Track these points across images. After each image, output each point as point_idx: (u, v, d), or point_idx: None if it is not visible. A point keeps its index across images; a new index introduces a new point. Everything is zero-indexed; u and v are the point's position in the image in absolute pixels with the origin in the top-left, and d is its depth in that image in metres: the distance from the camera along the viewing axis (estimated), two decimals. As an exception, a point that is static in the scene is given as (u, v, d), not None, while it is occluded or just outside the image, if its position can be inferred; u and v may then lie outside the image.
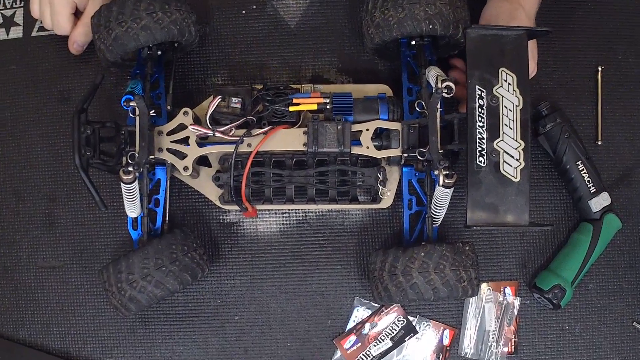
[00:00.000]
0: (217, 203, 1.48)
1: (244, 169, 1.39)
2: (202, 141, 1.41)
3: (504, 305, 1.52)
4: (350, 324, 1.53)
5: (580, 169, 1.48)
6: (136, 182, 1.34)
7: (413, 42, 1.43)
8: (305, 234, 1.54)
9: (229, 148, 1.39)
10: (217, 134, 1.38)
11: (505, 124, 1.26)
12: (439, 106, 1.32)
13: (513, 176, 1.25)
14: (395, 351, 1.52)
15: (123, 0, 1.34)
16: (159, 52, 1.45)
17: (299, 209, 1.54)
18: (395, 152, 1.40)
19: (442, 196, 1.35)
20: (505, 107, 1.26)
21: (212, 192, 1.49)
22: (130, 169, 1.31)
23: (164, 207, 1.48)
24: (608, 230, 1.48)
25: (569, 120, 1.49)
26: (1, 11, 1.60)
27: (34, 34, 1.59)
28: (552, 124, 1.48)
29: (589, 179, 1.48)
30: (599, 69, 1.56)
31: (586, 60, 1.58)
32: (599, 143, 1.55)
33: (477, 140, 1.25)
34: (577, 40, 1.58)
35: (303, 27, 1.58)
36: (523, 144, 1.26)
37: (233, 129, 1.39)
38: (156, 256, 1.35)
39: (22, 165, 1.56)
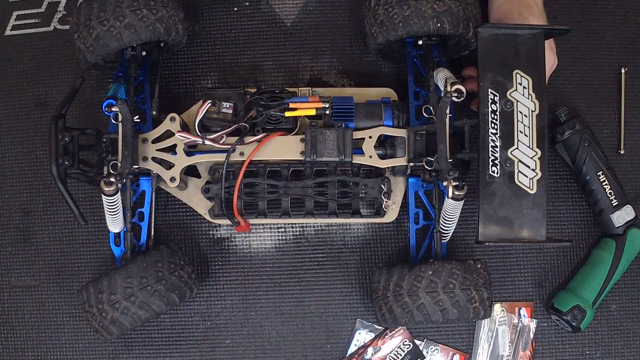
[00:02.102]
0: (207, 217, 1.47)
1: (235, 179, 1.38)
2: (191, 150, 1.40)
3: (519, 328, 1.52)
4: (352, 348, 1.52)
5: (601, 180, 1.48)
6: (119, 194, 1.34)
7: (420, 42, 1.43)
8: (302, 251, 1.54)
9: (220, 157, 1.38)
10: (207, 142, 1.37)
11: (520, 131, 1.25)
12: (448, 111, 1.32)
13: (529, 187, 1.25)
14: (400, 378, 1.52)
15: (104, -4, 1.35)
16: (144, 53, 1.45)
17: (295, 223, 1.54)
18: (400, 161, 1.39)
19: (452, 209, 1.34)
20: (520, 112, 1.25)
21: (201, 205, 1.48)
22: (112, 179, 1.31)
23: (149, 221, 1.47)
24: (632, 247, 1.48)
25: (589, 127, 1.49)
26: (-29, 8, 1.61)
27: (7, 32, 1.58)
28: (571, 131, 1.48)
29: (610, 190, 1.48)
30: (622, 70, 1.56)
31: (609, 61, 1.57)
32: (622, 152, 1.55)
33: (490, 148, 1.25)
34: (599, 40, 1.57)
35: (300, 26, 1.58)
36: (539, 152, 1.25)
37: (224, 136, 1.38)
38: (140, 275, 1.35)
39: (-5, 175, 1.56)
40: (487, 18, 1.42)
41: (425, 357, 1.51)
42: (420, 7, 1.33)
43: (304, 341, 1.52)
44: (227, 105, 1.39)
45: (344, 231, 1.53)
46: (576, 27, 1.54)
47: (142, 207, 1.47)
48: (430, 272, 1.33)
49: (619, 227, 1.48)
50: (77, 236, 1.53)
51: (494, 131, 1.24)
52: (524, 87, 1.26)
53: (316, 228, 1.53)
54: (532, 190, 1.25)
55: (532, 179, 1.25)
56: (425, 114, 1.38)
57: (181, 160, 1.39)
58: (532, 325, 1.51)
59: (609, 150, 1.53)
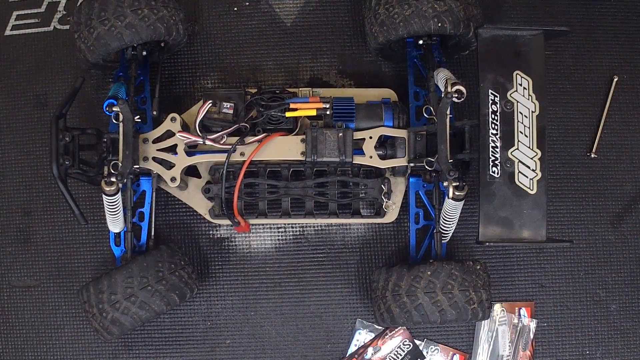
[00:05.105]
0: (207, 217, 1.48)
1: (236, 180, 1.39)
2: (191, 150, 1.41)
3: (519, 328, 1.52)
4: (352, 348, 1.53)
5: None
6: (119, 194, 1.34)
7: (420, 42, 1.44)
8: (302, 251, 1.54)
9: (220, 157, 1.39)
10: (208, 142, 1.38)
11: (521, 132, 1.26)
12: (448, 112, 1.33)
13: (529, 188, 1.25)
14: (400, 378, 1.53)
15: (105, -5, 1.36)
16: (145, 53, 1.46)
17: (296, 224, 1.55)
18: (400, 161, 1.40)
19: (452, 210, 1.35)
20: (521, 113, 1.26)
21: (201, 205, 1.48)
22: (113, 179, 1.31)
23: (150, 221, 1.48)
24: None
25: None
26: (-30, 8, 1.61)
27: (7, 32, 1.59)
28: None
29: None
30: (615, 78, 1.56)
31: (606, 65, 1.58)
32: (593, 156, 1.56)
33: (490, 149, 1.25)
34: (599, 41, 1.59)
35: (300, 26, 1.58)
36: (540, 153, 1.26)
37: (225, 136, 1.39)
38: (141, 275, 1.35)
39: (-6, 175, 1.57)
40: (489, 20, 1.43)
41: (425, 357, 1.51)
42: (421, 7, 1.34)
43: (304, 341, 1.53)
44: (228, 106, 1.39)
45: (344, 231, 1.54)
46: (577, 28, 1.55)
47: (143, 207, 1.47)
48: (429, 273, 1.34)
49: None
50: (77, 236, 1.54)
51: (494, 132, 1.25)
52: (524, 88, 1.26)
53: (316, 228, 1.54)
54: (532, 190, 1.25)
55: (532, 179, 1.25)
56: (425, 115, 1.39)
57: (182, 160, 1.40)
58: (532, 325, 1.52)
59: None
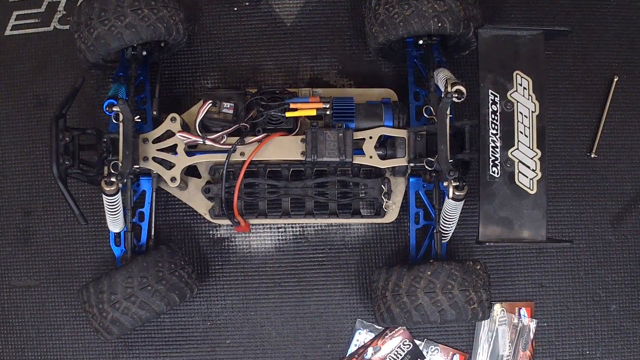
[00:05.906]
0: (207, 217, 1.48)
1: (236, 180, 1.39)
2: (191, 150, 1.41)
3: (519, 328, 1.52)
4: (352, 348, 1.53)
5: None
6: (119, 194, 1.34)
7: (420, 42, 1.44)
8: (302, 251, 1.54)
9: (220, 157, 1.39)
10: (208, 142, 1.38)
11: (521, 132, 1.26)
12: (448, 112, 1.33)
13: (529, 188, 1.26)
14: (400, 378, 1.53)
15: (105, -5, 1.36)
16: (144, 53, 1.46)
17: (296, 224, 1.55)
18: (400, 161, 1.40)
19: (452, 209, 1.35)
20: (521, 113, 1.26)
21: (201, 205, 1.48)
22: (113, 179, 1.31)
23: (150, 221, 1.48)
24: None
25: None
26: (-30, 8, 1.61)
27: (7, 32, 1.59)
28: None
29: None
30: (615, 78, 1.56)
31: (606, 64, 1.58)
32: (593, 156, 1.56)
33: (490, 149, 1.25)
34: (600, 40, 1.59)
35: (300, 26, 1.59)
36: (540, 153, 1.26)
37: (225, 136, 1.39)
38: (141, 275, 1.35)
39: (-6, 175, 1.57)
40: (489, 19, 1.43)
41: (425, 357, 1.51)
42: (421, 7, 1.34)
43: (304, 341, 1.53)
44: (228, 106, 1.39)
45: (344, 231, 1.54)
46: (577, 27, 1.55)
47: (142, 207, 1.47)
48: (429, 273, 1.34)
49: None
50: (77, 236, 1.54)
51: (494, 132, 1.25)
52: (524, 88, 1.26)
53: (316, 228, 1.54)
54: (532, 190, 1.25)
55: (532, 179, 1.25)
56: (425, 115, 1.39)
57: (182, 160, 1.40)
58: (532, 325, 1.52)
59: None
